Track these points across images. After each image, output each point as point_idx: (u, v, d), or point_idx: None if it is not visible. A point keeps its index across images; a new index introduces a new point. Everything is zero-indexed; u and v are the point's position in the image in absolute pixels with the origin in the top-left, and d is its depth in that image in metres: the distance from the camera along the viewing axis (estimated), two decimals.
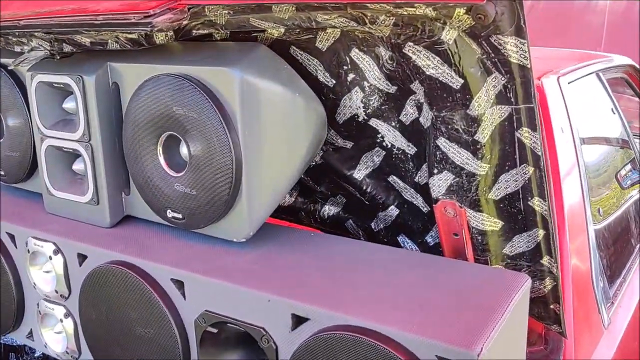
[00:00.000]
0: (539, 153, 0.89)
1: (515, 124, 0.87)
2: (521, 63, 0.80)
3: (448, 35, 0.81)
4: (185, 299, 1.01)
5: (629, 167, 2.02)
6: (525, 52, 0.79)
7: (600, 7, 4.32)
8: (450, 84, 0.86)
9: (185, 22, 0.88)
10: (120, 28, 0.87)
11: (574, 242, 1.32)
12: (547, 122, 1.46)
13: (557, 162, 1.39)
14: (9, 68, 1.23)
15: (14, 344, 1.99)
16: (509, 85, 0.83)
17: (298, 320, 0.89)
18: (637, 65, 2.65)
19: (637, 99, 2.89)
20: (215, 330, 0.99)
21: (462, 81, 0.85)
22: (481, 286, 0.91)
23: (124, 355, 1.10)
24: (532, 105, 0.84)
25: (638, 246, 1.79)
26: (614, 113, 2.01)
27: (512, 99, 0.84)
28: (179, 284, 1.01)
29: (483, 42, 0.80)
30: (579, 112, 1.65)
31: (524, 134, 0.88)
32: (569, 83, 1.66)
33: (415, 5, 0.71)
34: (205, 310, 0.98)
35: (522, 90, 0.83)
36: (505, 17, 0.75)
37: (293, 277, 0.96)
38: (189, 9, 0.86)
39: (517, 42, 0.78)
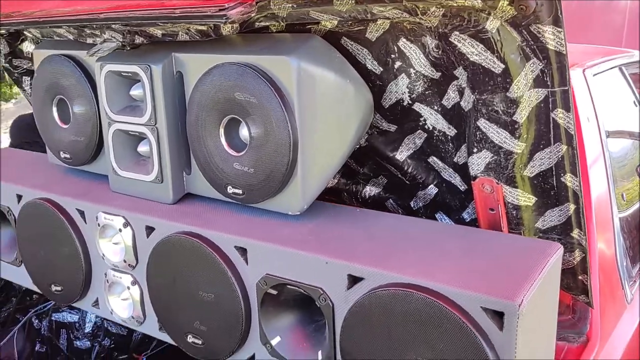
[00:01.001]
0: (572, 132, 0.99)
1: (550, 105, 0.97)
2: (558, 50, 0.90)
3: (491, 25, 0.91)
4: (247, 264, 1.12)
5: None
6: (562, 39, 0.89)
7: (620, 6, 4.36)
8: (493, 69, 0.96)
9: (252, 15, 0.99)
10: (197, 20, 0.98)
11: (600, 223, 1.41)
12: (575, 111, 1.55)
13: (584, 149, 1.48)
14: (85, 57, 1.35)
15: (65, 321, 2.13)
16: (546, 70, 0.93)
17: (353, 280, 0.99)
18: None
19: None
20: (275, 292, 1.10)
21: (504, 66, 0.95)
22: (517, 252, 1.01)
23: (189, 318, 1.22)
24: (566, 88, 0.94)
25: None
26: (636, 105, 2.08)
27: (549, 83, 0.94)
28: (242, 251, 1.12)
29: (523, 30, 0.90)
30: (603, 102, 1.74)
31: (559, 115, 0.97)
32: (593, 75, 1.75)
33: None
34: (267, 274, 1.09)
35: (558, 74, 0.93)
36: (545, 8, 0.85)
37: (346, 243, 1.07)
38: (256, 3, 0.97)
39: (554, 31, 0.88)
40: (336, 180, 1.44)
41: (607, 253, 1.39)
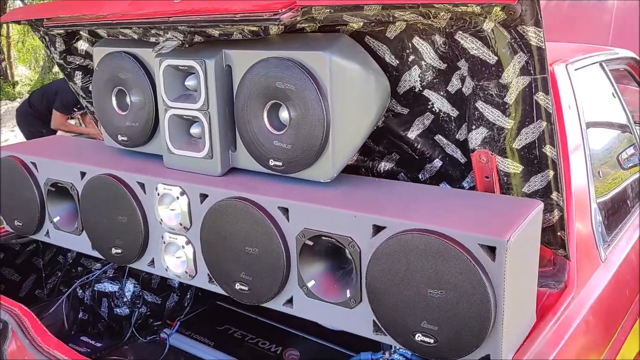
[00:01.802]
0: (550, 111, 1.24)
1: (533, 89, 1.22)
2: (538, 45, 1.16)
3: (487, 26, 1.17)
4: (288, 221, 1.37)
5: (627, 146, 2.36)
6: (542, 37, 1.14)
7: (608, 6, 4.64)
8: (488, 61, 1.22)
9: (298, 18, 1.24)
10: (254, 22, 1.23)
11: (577, 192, 1.66)
12: (557, 100, 1.81)
13: (565, 129, 1.74)
14: (142, 53, 1.60)
15: (106, 291, 2.37)
16: (529, 61, 1.19)
17: (377, 229, 1.25)
18: (639, 58, 2.98)
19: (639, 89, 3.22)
20: (311, 243, 1.35)
21: (497, 58, 1.20)
22: (506, 206, 1.27)
23: (237, 269, 1.47)
24: (545, 76, 1.20)
25: (633, 212, 2.13)
26: (614, 97, 2.35)
27: (532, 71, 1.20)
28: (284, 210, 1.37)
29: (512, 30, 1.15)
30: (584, 93, 2.00)
31: (540, 97, 1.23)
32: (575, 70, 2.01)
33: (469, 4, 1.07)
34: (305, 228, 1.34)
35: (539, 65, 1.19)
36: (528, 13, 1.11)
37: (370, 201, 1.32)
38: (301, 8, 1.22)
39: (536, 30, 1.13)
40: (355, 158, 1.70)
41: (583, 217, 1.65)
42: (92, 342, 2.30)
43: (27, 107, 5.02)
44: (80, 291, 2.35)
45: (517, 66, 1.20)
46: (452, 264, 1.14)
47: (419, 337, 1.21)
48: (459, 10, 1.12)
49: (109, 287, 2.35)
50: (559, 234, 1.44)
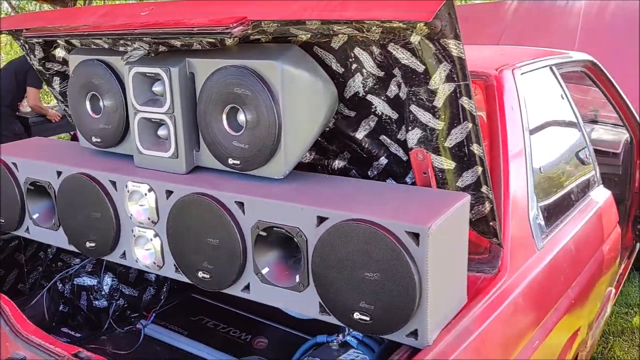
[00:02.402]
0: (474, 113, 1.40)
1: (458, 94, 1.38)
2: (459, 56, 1.31)
3: (414, 39, 1.31)
4: (244, 214, 1.51)
5: (574, 144, 2.53)
6: (462, 48, 1.29)
7: (575, 9, 4.82)
8: (417, 69, 1.37)
9: (249, 31, 1.39)
10: (210, 35, 1.37)
11: (515, 187, 1.82)
12: (501, 102, 1.97)
13: (506, 130, 1.89)
14: (113, 61, 1.74)
15: (85, 285, 2.50)
16: (453, 70, 1.34)
17: (320, 220, 1.39)
18: (595, 61, 3.14)
19: (599, 90, 3.40)
20: (264, 234, 1.50)
21: (424, 67, 1.35)
22: (435, 199, 1.42)
23: (199, 259, 1.61)
24: (467, 82, 1.35)
25: (577, 206, 2.28)
26: (563, 99, 2.51)
27: (455, 78, 1.35)
28: (240, 204, 1.52)
29: (436, 42, 1.30)
30: (530, 96, 2.16)
31: (464, 101, 1.38)
32: (522, 74, 2.17)
33: (393, 21, 1.22)
34: (259, 220, 1.49)
35: (461, 73, 1.34)
36: (447, 28, 1.26)
37: (316, 195, 1.47)
38: (252, 23, 1.37)
39: (456, 43, 1.29)
40: (312, 157, 1.84)
41: (520, 210, 1.81)
42: (72, 332, 2.43)
43: None
44: (61, 285, 2.48)
45: (443, 74, 1.35)
46: (383, 249, 1.29)
47: (357, 315, 1.36)
48: (388, 25, 1.26)
49: (87, 281, 2.48)
50: (491, 224, 1.59)
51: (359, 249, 1.33)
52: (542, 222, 1.93)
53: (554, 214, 2.06)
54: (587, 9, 4.84)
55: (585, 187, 2.44)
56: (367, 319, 1.35)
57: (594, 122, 4.09)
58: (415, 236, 1.27)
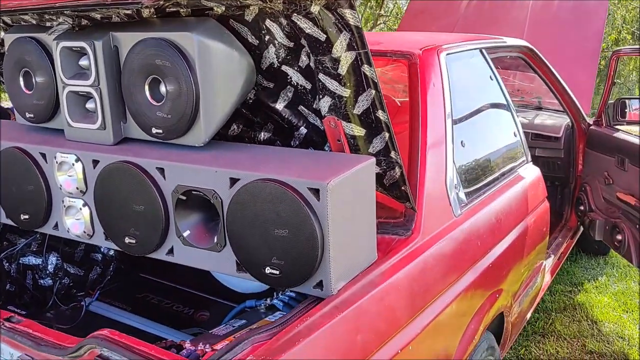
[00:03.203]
0: (376, 80, 1.49)
1: (359, 62, 1.47)
2: (356, 25, 1.40)
3: (315, 8, 1.40)
4: (165, 179, 1.59)
5: (501, 122, 2.65)
6: (357, 18, 1.39)
7: (524, 4, 5.00)
8: (320, 38, 1.46)
9: (161, 3, 1.46)
10: (123, 6, 1.44)
11: (432, 157, 1.92)
12: (423, 80, 2.08)
13: (426, 105, 2.00)
14: (44, 37, 1.80)
15: (30, 264, 2.54)
16: (352, 38, 1.43)
17: (233, 181, 1.47)
18: (531, 47, 3.28)
19: (537, 77, 3.54)
20: (184, 198, 1.57)
21: (326, 36, 1.44)
22: (342, 161, 1.51)
23: (126, 225, 1.67)
24: (366, 50, 1.44)
25: (500, 181, 2.40)
26: (492, 80, 2.63)
27: (356, 47, 1.44)
28: (161, 171, 1.59)
29: (334, 12, 1.39)
30: (456, 75, 2.27)
31: (366, 68, 1.48)
32: (447, 54, 2.27)
33: None
34: (178, 185, 1.56)
35: (360, 41, 1.43)
36: None
37: (231, 160, 1.55)
38: None
39: (351, 12, 1.38)
40: (239, 130, 1.92)
41: (437, 178, 1.91)
42: (18, 311, 2.46)
43: None
44: (7, 264, 2.52)
45: (344, 43, 1.44)
46: (288, 206, 1.38)
47: (268, 270, 1.44)
48: None
49: (32, 260, 2.52)
50: (402, 188, 1.69)
51: (268, 207, 1.41)
52: (461, 191, 2.04)
53: (475, 185, 2.18)
54: (534, 5, 5.02)
55: (513, 164, 2.56)
56: (277, 272, 1.44)
57: (539, 108, 4.25)
58: (316, 192, 1.36)
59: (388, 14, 12.15)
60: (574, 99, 3.65)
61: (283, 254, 1.42)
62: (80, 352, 1.45)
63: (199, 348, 1.50)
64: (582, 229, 3.84)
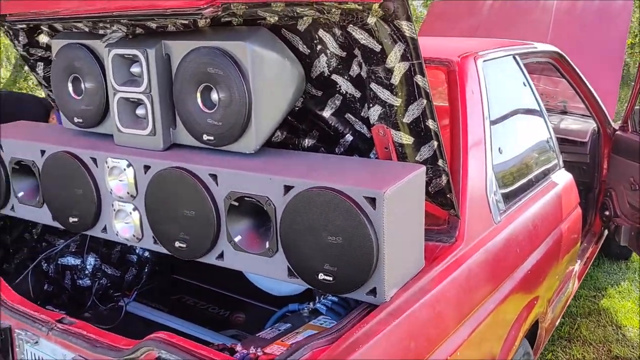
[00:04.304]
0: (428, 90, 1.51)
1: (412, 73, 1.49)
2: (412, 36, 1.42)
3: (371, 20, 1.43)
4: (217, 185, 1.62)
5: (535, 127, 2.66)
6: (414, 30, 1.41)
7: (548, 5, 4.98)
8: (375, 49, 1.48)
9: (219, 13, 1.49)
10: (182, 16, 1.48)
11: (473, 164, 1.94)
12: (462, 86, 2.09)
13: (466, 113, 2.02)
14: (94, 44, 1.83)
15: (69, 264, 2.59)
16: (407, 49, 1.45)
17: (287, 189, 1.50)
18: (561, 52, 3.29)
19: (562, 80, 3.54)
20: (237, 204, 1.60)
21: (381, 47, 1.47)
22: (393, 170, 1.53)
23: (176, 230, 1.71)
24: (420, 61, 1.46)
25: (537, 187, 2.42)
26: (526, 86, 2.64)
27: (410, 57, 1.47)
28: (214, 177, 1.62)
29: (390, 23, 1.42)
30: (492, 82, 2.29)
31: (419, 79, 1.50)
32: (484, 61, 2.29)
33: (350, 3, 1.33)
34: (231, 191, 1.60)
35: (415, 52, 1.45)
36: (400, 10, 1.37)
37: (283, 167, 1.58)
38: (222, 5, 1.47)
39: (408, 24, 1.40)
40: (283, 136, 1.95)
41: (478, 185, 1.93)
42: (57, 310, 2.51)
43: None
44: (45, 265, 2.56)
45: (398, 53, 1.47)
46: (343, 213, 1.41)
47: (321, 276, 1.47)
48: (346, 7, 1.38)
49: (71, 260, 2.57)
50: (448, 196, 1.71)
51: (322, 215, 1.44)
52: (500, 198, 2.06)
53: (512, 191, 2.19)
54: (559, 6, 5.00)
55: (546, 170, 2.58)
56: (331, 279, 1.46)
57: (564, 112, 4.25)
58: (372, 201, 1.38)
59: None
60: (601, 103, 3.65)
61: (336, 261, 1.45)
62: (137, 355, 1.49)
63: (251, 352, 1.53)
64: (606, 233, 3.84)
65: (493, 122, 2.17)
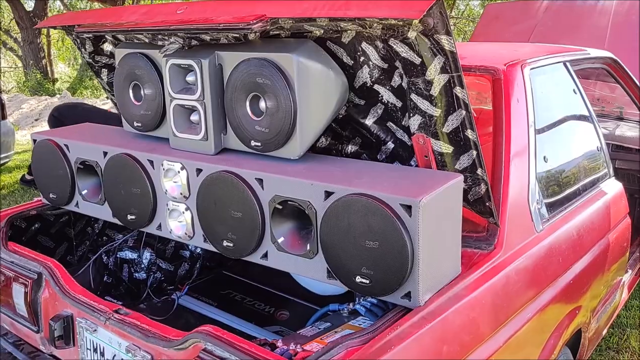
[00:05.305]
0: (467, 102, 1.55)
1: (452, 85, 1.54)
2: (451, 50, 1.47)
3: (411, 34, 1.48)
4: (263, 189, 1.71)
5: (585, 135, 2.63)
6: (453, 43, 1.46)
7: (606, 8, 4.84)
8: (415, 62, 1.54)
9: (268, 27, 1.58)
10: (234, 31, 1.58)
11: (515, 173, 1.95)
12: (507, 95, 2.11)
13: (510, 121, 2.03)
14: (153, 54, 1.97)
15: (127, 258, 2.76)
16: (446, 62, 1.50)
17: (328, 194, 1.58)
18: (615, 58, 3.22)
19: (619, 86, 3.46)
20: (280, 207, 1.69)
21: (421, 60, 1.52)
22: (431, 178, 1.58)
23: (224, 229, 1.81)
24: (460, 74, 1.51)
25: (583, 196, 2.39)
26: (576, 93, 2.61)
27: (449, 70, 1.51)
28: (260, 181, 1.71)
29: (430, 37, 1.47)
30: (540, 90, 2.29)
31: (458, 90, 1.54)
32: (532, 69, 2.29)
33: (390, 19, 1.39)
34: (275, 195, 1.68)
35: (454, 65, 1.50)
36: (439, 24, 1.42)
37: (325, 173, 1.65)
38: (270, 20, 1.56)
39: (447, 38, 1.45)
40: (327, 142, 2.03)
41: (520, 194, 1.94)
42: (114, 301, 2.68)
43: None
44: (105, 257, 2.74)
45: (438, 66, 1.51)
46: (380, 220, 1.47)
47: (358, 279, 1.54)
48: (387, 22, 1.44)
49: (129, 254, 2.74)
50: (487, 204, 1.74)
51: (360, 220, 1.51)
52: (544, 207, 2.06)
53: (557, 200, 2.19)
54: (617, 8, 4.85)
55: (595, 178, 2.54)
56: (367, 282, 1.53)
57: (620, 118, 4.13)
58: (408, 208, 1.44)
59: (459, 16, 11.99)
60: None
61: (373, 265, 1.51)
62: (185, 345, 1.60)
63: (291, 348, 1.61)
64: None
65: (539, 131, 2.17)
